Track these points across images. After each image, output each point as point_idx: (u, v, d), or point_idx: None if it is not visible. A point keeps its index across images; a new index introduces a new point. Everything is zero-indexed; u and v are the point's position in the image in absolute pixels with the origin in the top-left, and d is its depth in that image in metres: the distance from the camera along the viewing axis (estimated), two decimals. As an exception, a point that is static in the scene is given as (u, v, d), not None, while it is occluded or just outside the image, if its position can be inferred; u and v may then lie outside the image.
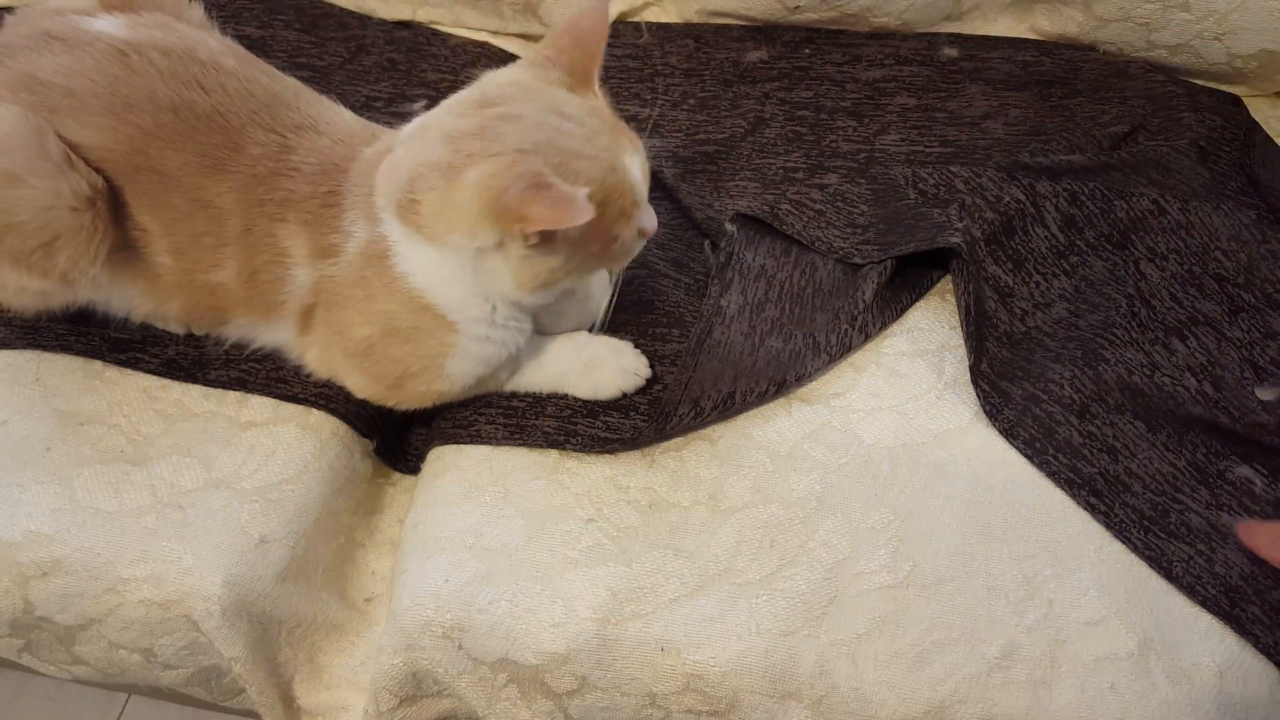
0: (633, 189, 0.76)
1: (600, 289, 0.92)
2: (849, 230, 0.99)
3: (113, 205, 0.80)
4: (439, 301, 0.79)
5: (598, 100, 0.79)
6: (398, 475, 0.96)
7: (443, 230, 0.74)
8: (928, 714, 0.74)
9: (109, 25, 0.83)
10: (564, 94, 0.78)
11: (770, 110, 1.14)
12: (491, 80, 0.79)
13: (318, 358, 0.88)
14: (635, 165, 0.77)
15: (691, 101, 1.16)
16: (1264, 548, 0.78)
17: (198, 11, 0.92)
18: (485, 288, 0.78)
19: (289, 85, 0.86)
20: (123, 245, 0.83)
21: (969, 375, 0.88)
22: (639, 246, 0.81)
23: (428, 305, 0.79)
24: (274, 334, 0.88)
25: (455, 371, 0.84)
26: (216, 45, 0.86)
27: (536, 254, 0.74)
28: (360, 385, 0.87)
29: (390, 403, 0.87)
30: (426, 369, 0.83)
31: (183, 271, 0.84)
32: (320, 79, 1.15)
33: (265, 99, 0.82)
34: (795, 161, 1.09)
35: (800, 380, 0.88)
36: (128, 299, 0.88)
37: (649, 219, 0.79)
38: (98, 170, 0.79)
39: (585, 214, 0.67)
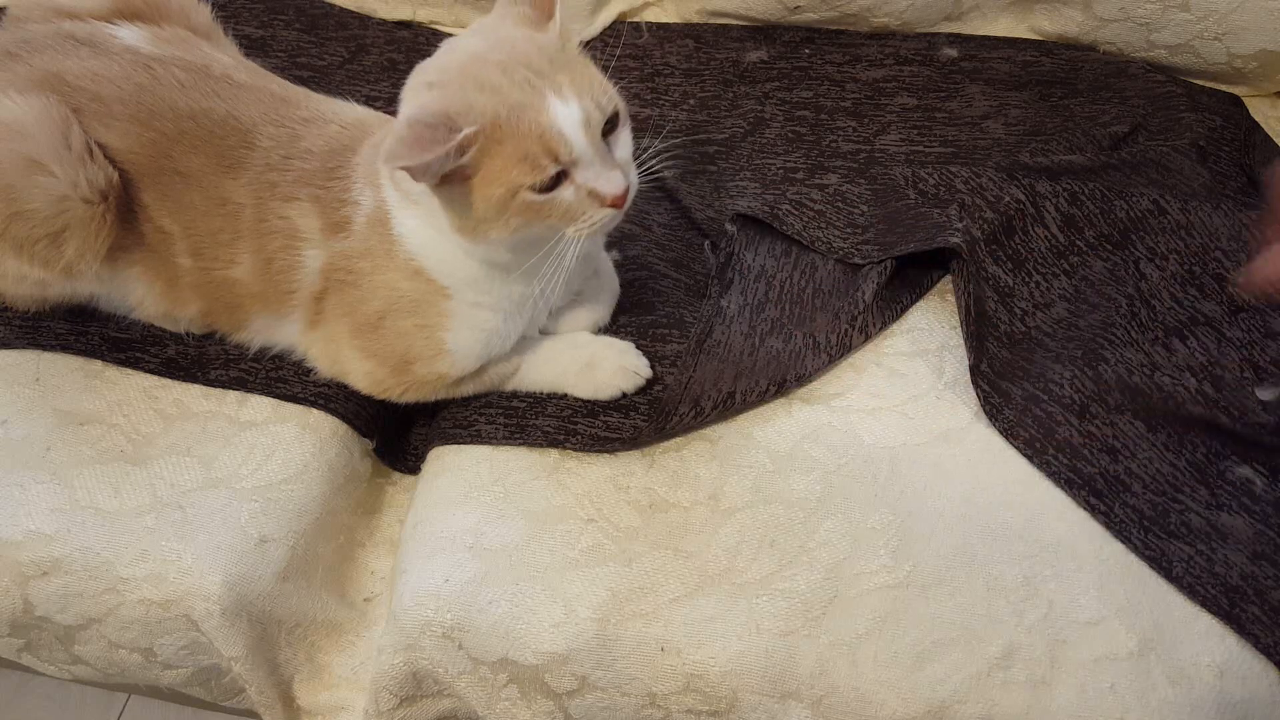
0: (546, 135, 0.68)
1: (608, 291, 0.92)
2: (849, 230, 0.99)
3: (122, 203, 0.82)
4: (429, 265, 0.80)
5: (551, 35, 0.73)
6: (398, 475, 0.96)
7: (411, 181, 0.75)
8: (928, 714, 0.74)
9: (134, 38, 0.86)
10: (513, 28, 0.74)
11: (770, 110, 1.14)
12: (473, 24, 0.79)
13: (323, 351, 0.88)
14: (566, 111, 0.69)
15: (691, 101, 1.16)
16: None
17: (204, 13, 0.93)
18: (456, 247, 0.77)
19: (297, 91, 0.89)
20: (136, 244, 0.84)
21: (969, 375, 0.88)
22: (597, 214, 0.72)
23: (420, 269, 0.80)
24: (285, 330, 0.89)
25: (456, 348, 0.84)
26: (229, 61, 0.88)
27: (445, 198, 0.72)
28: (367, 372, 0.87)
29: (396, 391, 0.87)
30: (428, 344, 0.84)
31: (201, 271, 0.85)
32: (320, 79, 1.15)
33: (274, 102, 0.85)
34: (795, 161, 1.09)
35: (800, 380, 0.88)
36: (140, 298, 0.89)
37: (604, 181, 0.70)
38: (119, 171, 0.81)
39: (435, 149, 0.65)
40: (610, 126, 0.72)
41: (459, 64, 0.72)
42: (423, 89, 0.72)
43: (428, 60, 0.76)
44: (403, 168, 0.68)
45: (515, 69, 0.70)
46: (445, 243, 0.78)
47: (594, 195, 0.71)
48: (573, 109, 0.69)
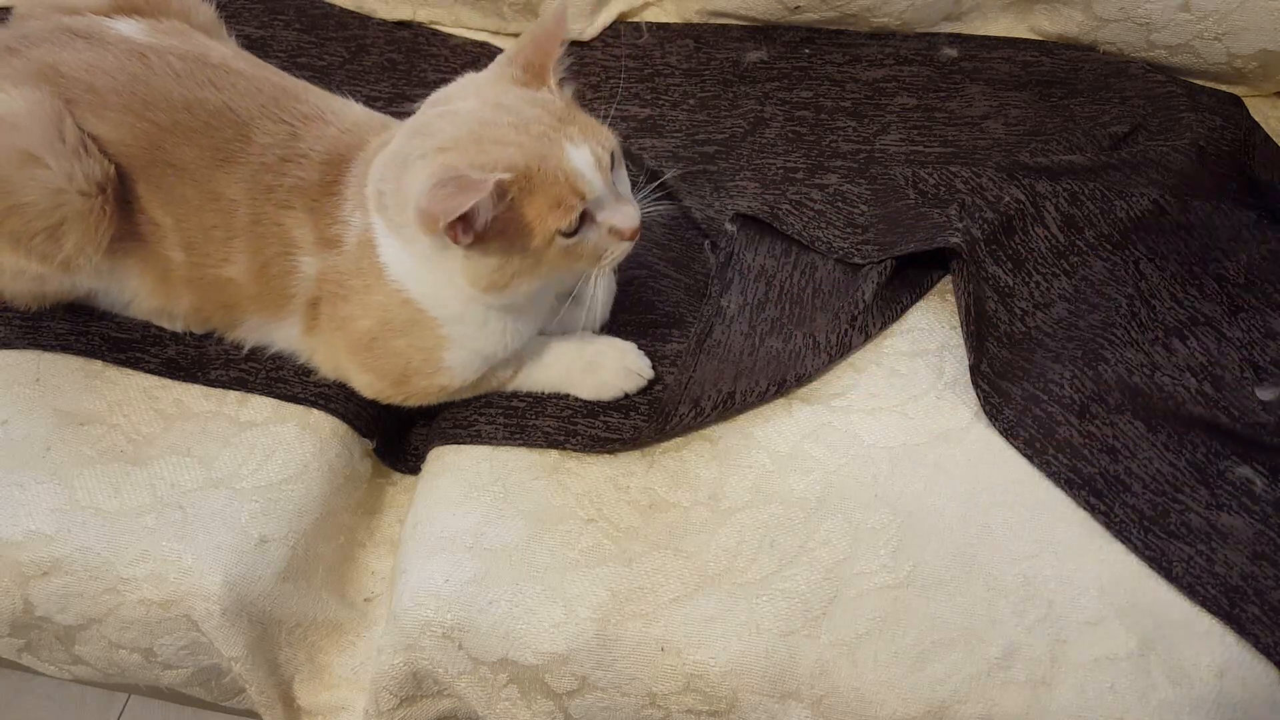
0: (570, 178, 0.72)
1: (605, 291, 0.92)
2: (849, 230, 0.99)
3: (120, 195, 0.81)
4: (417, 296, 0.80)
5: (549, 94, 0.77)
6: (398, 475, 0.96)
7: (401, 223, 0.76)
8: (928, 714, 0.74)
9: (130, 29, 0.85)
10: (511, 89, 0.77)
11: (770, 110, 1.14)
12: (460, 79, 0.81)
13: (325, 357, 0.88)
14: (580, 155, 0.73)
15: (691, 101, 1.16)
16: None
17: (208, 11, 0.93)
18: (451, 286, 0.78)
19: (297, 83, 0.88)
20: (131, 236, 0.84)
21: (969, 375, 0.88)
22: (617, 249, 0.77)
23: (408, 299, 0.80)
24: (283, 334, 0.89)
25: (454, 365, 0.84)
26: (228, 51, 0.88)
27: (476, 255, 0.73)
28: (366, 384, 0.87)
29: (398, 400, 0.88)
30: (426, 362, 0.83)
31: (193, 266, 0.85)
32: (320, 79, 1.15)
33: (273, 94, 0.84)
34: (795, 161, 1.09)
35: (800, 380, 0.88)
36: (134, 292, 0.89)
37: (620, 216, 0.75)
38: (113, 163, 0.81)
39: (479, 192, 0.67)
40: (612, 166, 0.76)
41: (469, 128, 0.74)
42: (433, 153, 0.72)
43: (419, 120, 0.77)
44: (451, 224, 0.69)
45: (528, 126, 0.73)
46: (430, 278, 0.79)
47: (614, 232, 0.76)
48: (585, 153, 0.73)
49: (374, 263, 0.80)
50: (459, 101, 0.77)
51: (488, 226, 0.71)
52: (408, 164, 0.74)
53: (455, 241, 0.71)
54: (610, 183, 0.75)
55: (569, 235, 0.73)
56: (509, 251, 0.73)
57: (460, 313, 0.80)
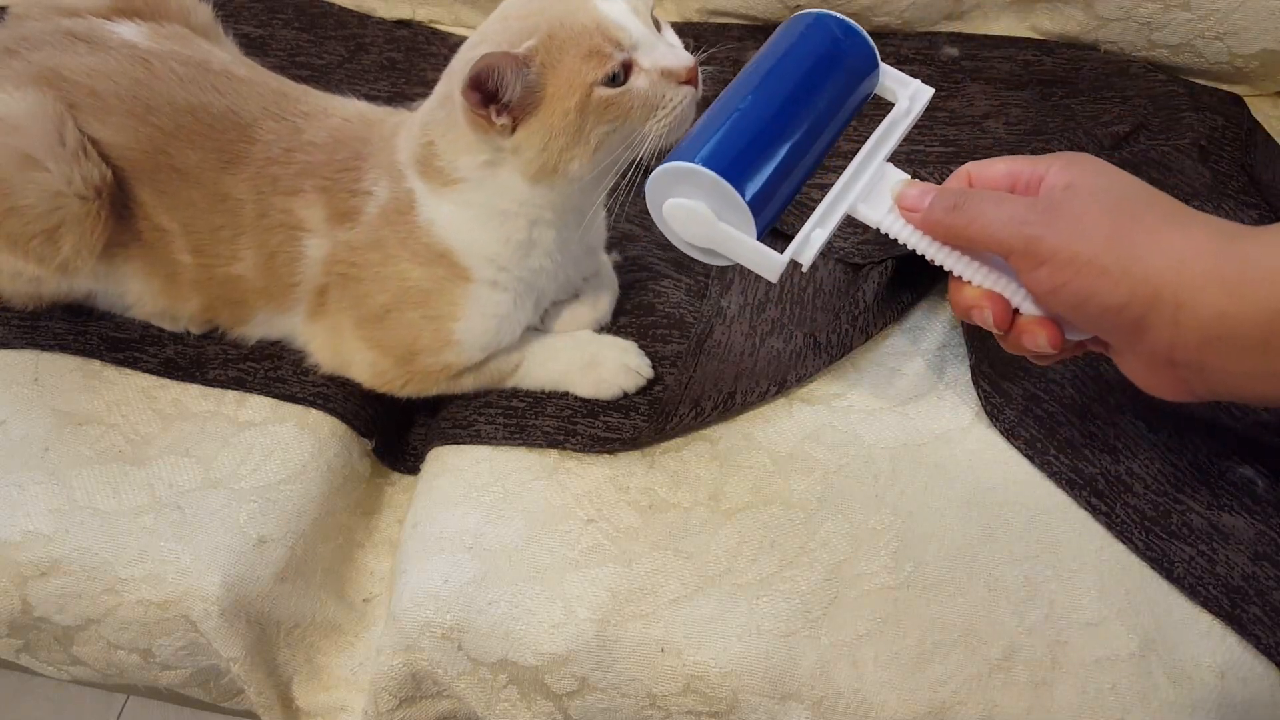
0: (603, 26, 0.70)
1: (608, 289, 0.92)
2: (849, 230, 0.99)
3: (116, 200, 0.81)
4: (457, 246, 0.80)
5: None
6: (397, 475, 0.96)
7: (454, 157, 0.76)
8: (928, 715, 0.74)
9: (132, 33, 0.86)
10: None
11: (770, 109, 1.14)
12: None
13: (326, 342, 0.88)
14: (610, 5, 0.71)
15: (691, 101, 1.16)
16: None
17: (205, 12, 0.93)
18: (507, 211, 0.78)
19: (296, 87, 0.89)
20: (134, 241, 0.84)
21: (969, 375, 0.88)
22: (675, 95, 0.71)
23: (445, 252, 0.80)
24: (288, 322, 0.89)
25: (464, 338, 0.84)
26: (227, 56, 0.89)
27: (521, 141, 0.73)
28: (369, 363, 0.87)
29: (399, 383, 0.87)
30: (436, 335, 0.83)
31: (202, 268, 0.85)
32: (319, 78, 1.15)
33: (274, 96, 0.85)
34: (795, 161, 1.09)
35: (801, 380, 0.88)
36: (138, 295, 0.89)
37: (672, 56, 0.71)
38: (116, 168, 0.81)
39: (499, 60, 0.68)
40: (655, 27, 0.74)
41: (495, 23, 0.75)
42: (468, 61, 0.73)
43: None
44: (484, 105, 0.70)
45: None
46: (479, 220, 0.79)
47: (667, 74, 0.71)
48: (617, 1, 0.71)
49: (402, 228, 0.80)
50: (489, 20, 0.78)
51: (523, 101, 0.71)
52: (451, 91, 0.74)
53: (491, 125, 0.71)
54: (653, 30, 0.73)
55: (611, 86, 0.70)
56: (550, 121, 0.71)
57: (496, 252, 0.80)
